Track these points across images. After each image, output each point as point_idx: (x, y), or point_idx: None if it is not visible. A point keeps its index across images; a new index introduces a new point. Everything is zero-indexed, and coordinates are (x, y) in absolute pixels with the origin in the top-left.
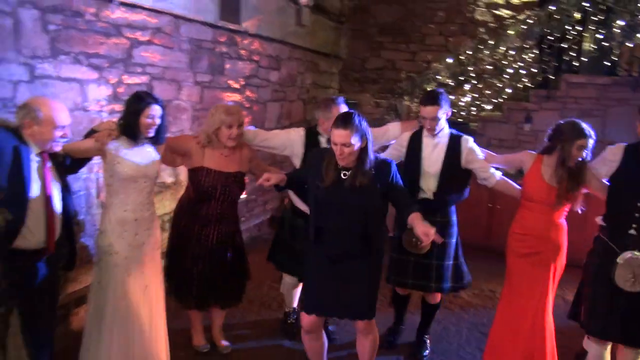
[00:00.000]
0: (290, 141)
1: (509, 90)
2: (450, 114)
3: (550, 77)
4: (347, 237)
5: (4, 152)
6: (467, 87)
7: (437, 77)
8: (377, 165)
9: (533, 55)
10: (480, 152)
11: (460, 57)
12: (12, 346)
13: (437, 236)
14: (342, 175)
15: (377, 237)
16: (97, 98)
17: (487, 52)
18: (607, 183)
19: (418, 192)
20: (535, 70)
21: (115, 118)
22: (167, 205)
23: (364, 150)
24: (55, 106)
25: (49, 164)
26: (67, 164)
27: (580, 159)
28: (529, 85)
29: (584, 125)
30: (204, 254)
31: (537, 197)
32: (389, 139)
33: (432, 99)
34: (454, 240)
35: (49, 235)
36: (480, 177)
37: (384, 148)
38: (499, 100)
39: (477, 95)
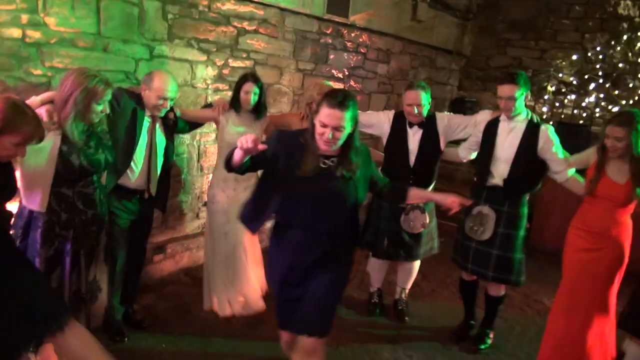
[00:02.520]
0: (380, 120)
1: None
2: (529, 97)
3: None
4: (325, 236)
5: (124, 111)
6: (592, 86)
7: (559, 75)
8: (361, 152)
9: None
10: (559, 145)
11: (588, 53)
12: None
13: (463, 200)
14: (322, 163)
15: (357, 235)
16: (204, 77)
17: (619, 48)
18: None
19: (488, 178)
20: None
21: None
22: None
23: (352, 135)
24: (166, 80)
25: (157, 124)
26: (178, 127)
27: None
28: None
29: (630, 113)
30: None
31: (598, 193)
32: (479, 128)
33: (510, 78)
34: (520, 233)
35: (148, 179)
36: (552, 170)
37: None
38: (631, 102)
39: (603, 96)
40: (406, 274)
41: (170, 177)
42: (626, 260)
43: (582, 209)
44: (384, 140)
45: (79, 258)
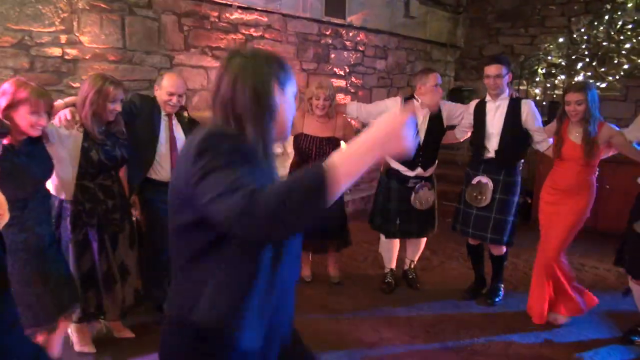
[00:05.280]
0: (388, 106)
1: (626, 67)
2: (511, 78)
3: None
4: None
5: (142, 112)
6: (579, 65)
7: (548, 57)
8: None
9: None
10: (539, 118)
11: (573, 35)
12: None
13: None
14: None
15: None
16: None
17: (602, 28)
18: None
19: (484, 152)
20: None
21: None
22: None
23: None
24: (173, 79)
25: (174, 121)
26: (191, 124)
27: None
28: None
29: (585, 81)
30: None
31: (563, 155)
32: (469, 111)
33: (496, 59)
34: (515, 199)
35: (173, 171)
36: (535, 140)
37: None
38: (617, 77)
39: (590, 74)
40: (415, 247)
41: None
42: (586, 215)
43: (552, 170)
44: None
45: (105, 242)
